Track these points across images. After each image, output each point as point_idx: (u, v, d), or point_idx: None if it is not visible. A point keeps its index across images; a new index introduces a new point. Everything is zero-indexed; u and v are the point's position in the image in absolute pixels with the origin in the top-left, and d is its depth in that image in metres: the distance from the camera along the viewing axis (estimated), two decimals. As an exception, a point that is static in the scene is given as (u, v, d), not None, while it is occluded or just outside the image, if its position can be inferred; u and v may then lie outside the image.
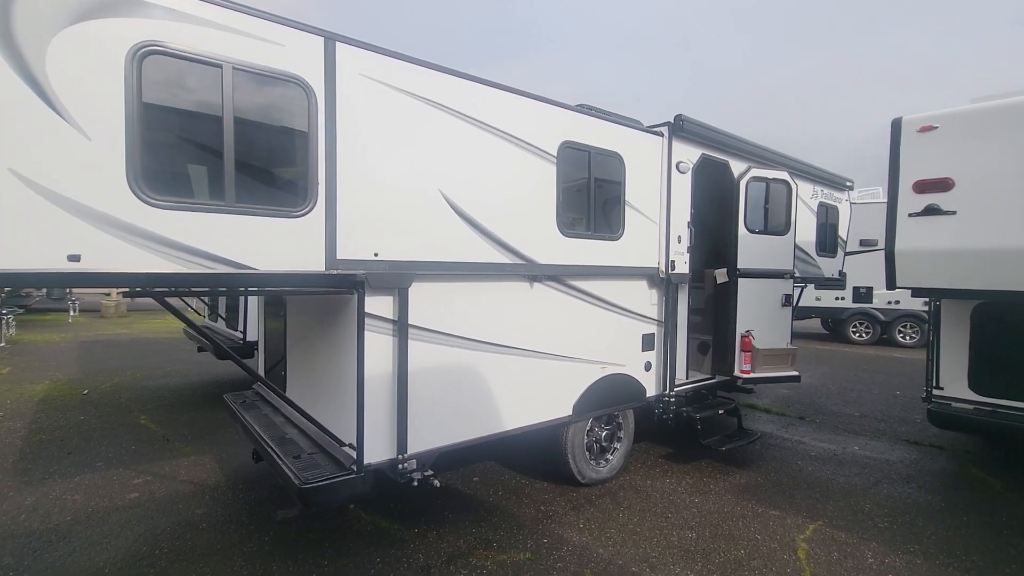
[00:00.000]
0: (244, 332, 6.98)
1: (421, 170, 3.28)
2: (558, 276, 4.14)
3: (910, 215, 4.15)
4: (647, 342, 4.93)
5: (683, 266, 5.05)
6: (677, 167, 4.92)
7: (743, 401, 7.39)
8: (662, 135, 4.88)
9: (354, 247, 3.01)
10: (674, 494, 4.54)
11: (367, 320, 3.12)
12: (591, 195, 4.30)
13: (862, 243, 14.27)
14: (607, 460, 4.82)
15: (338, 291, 3.06)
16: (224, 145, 2.56)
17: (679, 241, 5.00)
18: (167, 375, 9.18)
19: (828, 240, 7.38)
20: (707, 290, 6.02)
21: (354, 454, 3.13)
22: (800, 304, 14.76)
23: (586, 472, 4.58)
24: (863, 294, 14.60)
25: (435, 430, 3.48)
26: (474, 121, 3.54)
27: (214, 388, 8.16)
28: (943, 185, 3.98)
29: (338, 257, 2.94)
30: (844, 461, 5.40)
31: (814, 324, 17.35)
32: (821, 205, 7.14)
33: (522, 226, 3.83)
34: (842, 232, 7.75)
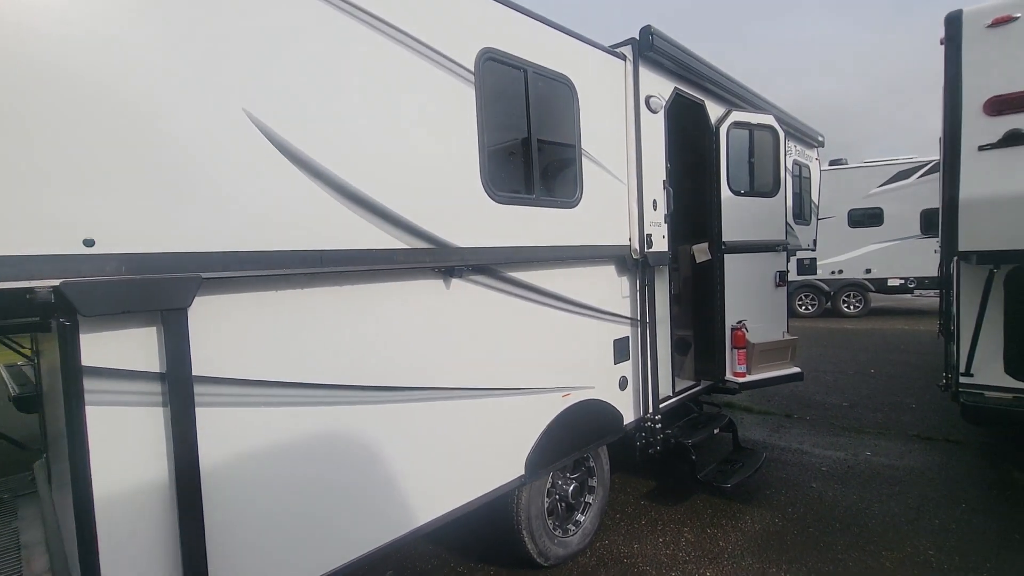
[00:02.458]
0: (59, 372, 4.97)
1: (201, 69, 1.63)
2: (490, 265, 2.62)
3: (981, 148, 2.98)
4: (620, 350, 3.53)
5: (661, 241, 3.68)
6: (647, 103, 3.52)
7: (721, 400, 6.22)
8: (625, 58, 3.46)
9: (21, 227, 1.34)
10: (675, 564, 3.19)
11: (88, 381, 1.47)
12: (531, 138, 2.80)
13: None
14: (577, 523, 3.39)
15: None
16: None
17: (655, 207, 3.62)
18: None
19: (803, 205, 6.35)
20: (683, 272, 4.72)
21: (86, 661, 1.49)
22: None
23: (550, 549, 3.13)
24: (807, 266, 14.17)
25: (280, 562, 1.88)
26: (317, -9, 1.92)
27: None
28: (1033, 100, 2.83)
29: (-33, 251, 1.27)
30: (864, 476, 4.30)
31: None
32: (795, 163, 6.06)
33: (423, 185, 2.27)
34: (815, 196, 6.76)
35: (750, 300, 4.44)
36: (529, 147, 2.79)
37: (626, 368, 3.59)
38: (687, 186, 4.67)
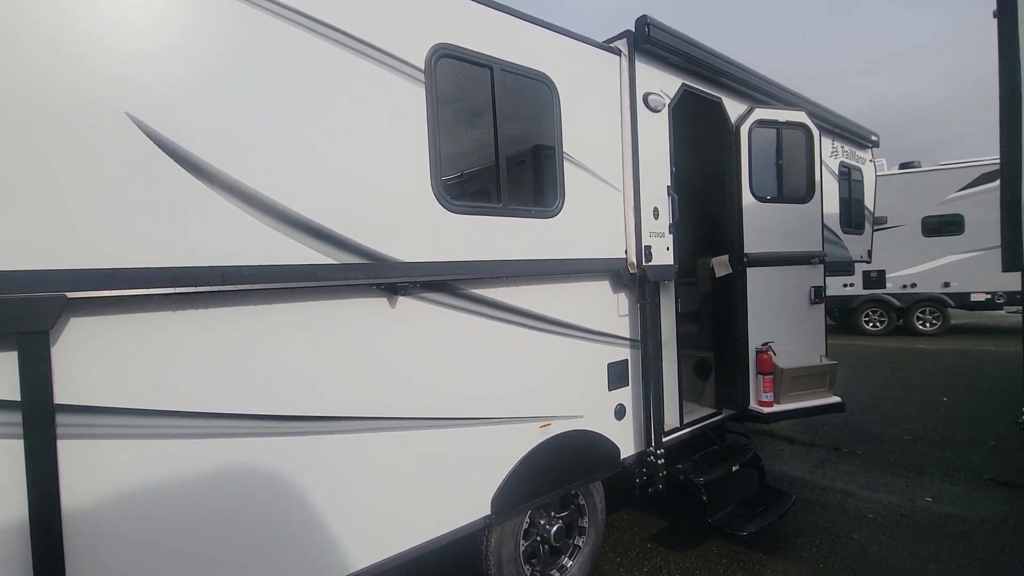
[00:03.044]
0: None
1: (71, 66, 1.50)
2: (447, 282, 2.37)
3: (1050, 135, 2.43)
4: (616, 375, 3.17)
5: (664, 254, 3.30)
6: (645, 102, 3.18)
7: (756, 428, 5.61)
8: (619, 52, 3.14)
9: None
10: (672, 626, 2.78)
11: (-71, 412, 1.34)
12: (497, 141, 2.54)
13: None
14: (563, 568, 3.03)
15: None
16: None
17: (656, 216, 3.26)
18: None
19: (854, 212, 5.69)
20: (702, 287, 4.28)
21: None
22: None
23: (527, 599, 2.80)
24: (874, 279, 13.00)
25: (169, 615, 1.69)
26: (226, -14, 1.77)
27: None
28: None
29: None
30: (921, 527, 3.66)
31: (820, 315, 15.65)
32: (843, 165, 5.45)
33: (354, 194, 2.06)
34: (868, 201, 6.06)
35: (779, 319, 3.93)
36: (495, 151, 2.53)
37: (624, 395, 3.22)
38: (709, 193, 4.26)
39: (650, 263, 3.15)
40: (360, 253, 2.05)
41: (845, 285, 13.24)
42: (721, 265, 3.95)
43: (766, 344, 3.81)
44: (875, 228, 6.24)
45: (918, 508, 3.95)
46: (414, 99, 2.24)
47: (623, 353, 3.22)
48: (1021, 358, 4.16)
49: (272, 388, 1.89)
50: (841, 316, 14.15)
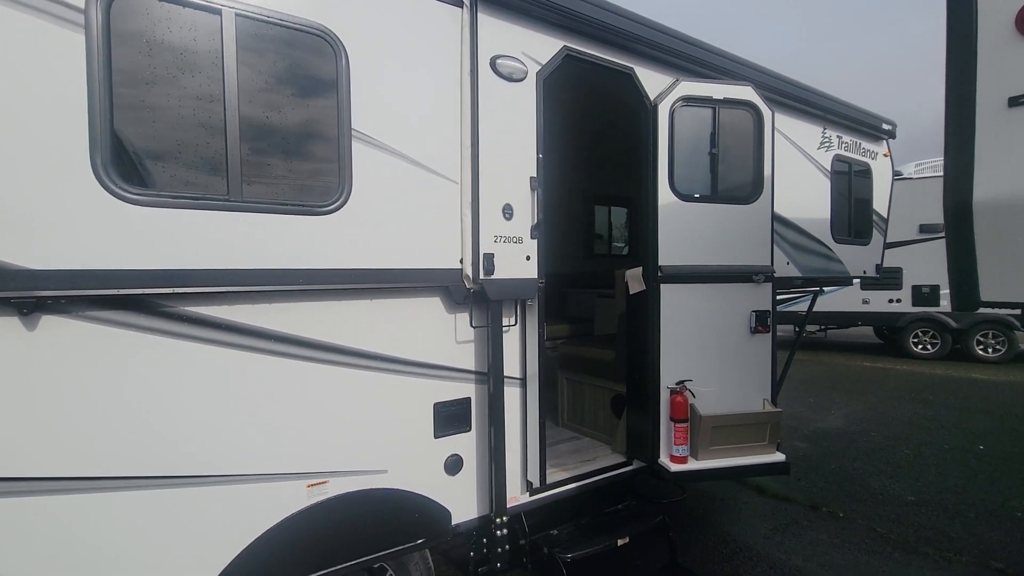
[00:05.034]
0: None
1: None
2: (135, 298, 1.77)
3: (1014, 101, 1.51)
4: (449, 418, 2.47)
5: (522, 265, 2.56)
6: (494, 67, 2.45)
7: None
8: (462, 3, 2.43)
9: None
10: None
11: None
12: (225, 110, 1.90)
13: (923, 229, 11.16)
14: (356, 665, 2.38)
15: None
16: None
17: (508, 216, 2.52)
18: None
19: (855, 217, 4.65)
20: (620, 306, 3.48)
21: None
22: (844, 309, 11.74)
23: None
24: (927, 295, 11.37)
25: None
26: None
27: None
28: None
29: None
30: (877, 640, 2.74)
31: (866, 332, 14.01)
32: (840, 160, 4.43)
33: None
34: (879, 205, 4.97)
35: (704, 351, 3.08)
36: (224, 126, 1.90)
37: (461, 443, 2.52)
38: (622, 184, 3.46)
39: (491, 276, 2.43)
40: (-57, 256, 1.48)
41: (891, 301, 11.70)
42: (635, 279, 3.15)
43: (681, 383, 2.98)
44: (887, 242, 5.10)
45: (887, 608, 3.00)
46: (65, 47, 1.64)
47: (461, 390, 2.52)
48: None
49: None
50: (889, 335, 12.53)
